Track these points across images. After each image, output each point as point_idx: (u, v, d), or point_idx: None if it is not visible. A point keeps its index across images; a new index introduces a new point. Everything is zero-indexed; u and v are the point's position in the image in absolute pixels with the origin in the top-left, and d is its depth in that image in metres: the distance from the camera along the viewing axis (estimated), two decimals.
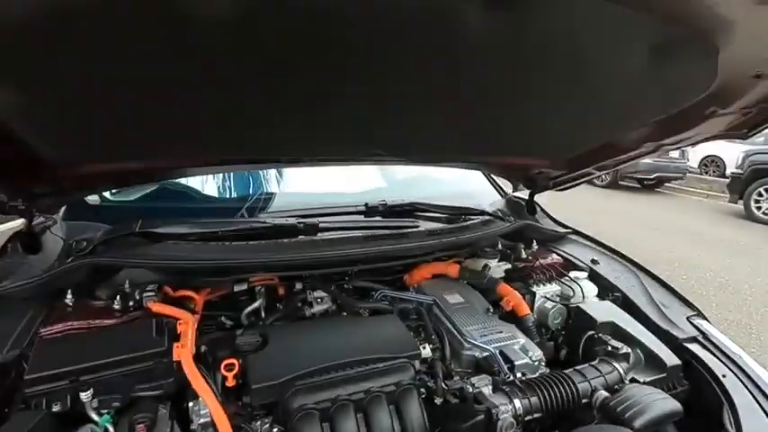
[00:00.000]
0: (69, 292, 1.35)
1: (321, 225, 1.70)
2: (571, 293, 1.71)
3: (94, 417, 1.03)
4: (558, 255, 1.99)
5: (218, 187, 1.97)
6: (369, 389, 1.12)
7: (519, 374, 1.30)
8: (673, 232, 7.44)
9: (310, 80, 1.01)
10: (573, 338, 1.57)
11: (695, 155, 13.43)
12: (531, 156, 1.83)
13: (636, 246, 6.05)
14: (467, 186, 2.44)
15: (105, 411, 1.07)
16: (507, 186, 2.43)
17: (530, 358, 1.37)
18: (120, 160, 1.32)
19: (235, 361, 1.19)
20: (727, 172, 11.01)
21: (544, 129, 1.51)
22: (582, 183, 2.09)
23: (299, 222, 1.66)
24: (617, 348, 1.37)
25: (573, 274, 1.80)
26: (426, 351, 1.35)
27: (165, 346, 1.14)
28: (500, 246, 1.99)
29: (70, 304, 1.33)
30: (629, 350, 1.38)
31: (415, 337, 1.41)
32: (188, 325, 1.22)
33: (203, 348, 1.29)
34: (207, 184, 1.96)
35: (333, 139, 1.39)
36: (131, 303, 1.33)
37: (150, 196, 1.86)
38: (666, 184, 12.39)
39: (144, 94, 0.97)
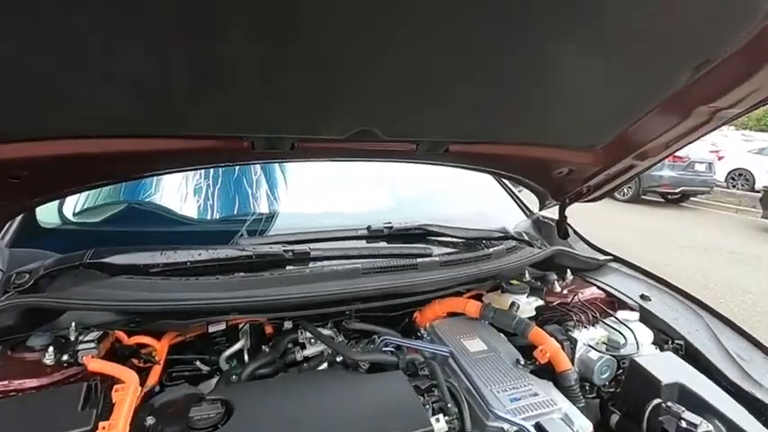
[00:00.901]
0: None
1: (313, 254, 1.42)
2: (621, 341, 1.37)
3: None
4: (600, 288, 1.66)
5: (199, 207, 1.70)
6: None
7: None
8: (704, 250, 6.96)
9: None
10: (629, 402, 1.24)
11: (722, 168, 12.86)
12: (562, 143, 1.47)
13: (665, 266, 5.62)
14: (485, 205, 2.13)
15: None
16: (532, 204, 2.12)
17: None
18: (60, 136, 1.02)
19: None
20: (758, 185, 10.44)
21: (579, 101, 1.19)
22: (618, 186, 1.76)
23: (285, 250, 1.37)
24: (694, 425, 1.04)
25: (621, 314, 1.47)
26: (440, 426, 1.04)
27: (91, 425, 0.85)
28: (527, 276, 1.68)
29: None
30: (710, 427, 1.04)
31: (426, 403, 1.09)
32: (126, 392, 0.93)
33: (149, 422, 0.99)
34: (185, 203, 1.70)
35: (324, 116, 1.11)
36: (66, 357, 1.05)
37: (119, 219, 1.60)
38: (692, 199, 11.82)
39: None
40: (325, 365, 1.33)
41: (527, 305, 1.53)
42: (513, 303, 1.46)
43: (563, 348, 1.32)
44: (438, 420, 1.04)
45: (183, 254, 1.31)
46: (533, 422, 1.08)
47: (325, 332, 1.48)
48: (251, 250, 1.35)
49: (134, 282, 1.18)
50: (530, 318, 1.54)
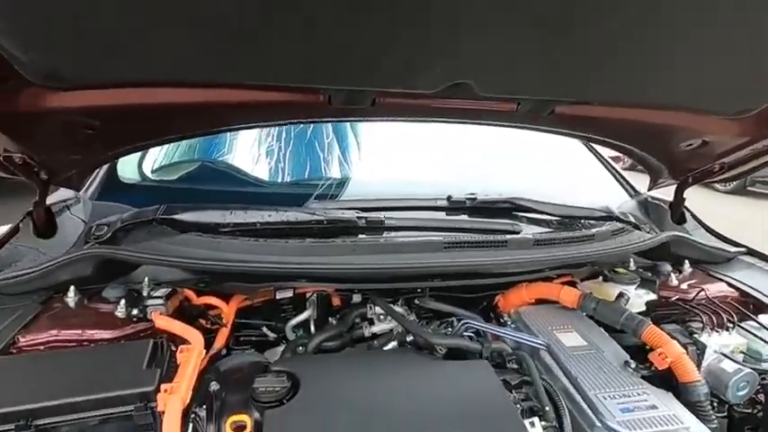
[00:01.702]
0: (72, 289, 1.07)
1: (388, 222, 1.28)
2: (765, 351, 1.10)
3: None
4: (731, 285, 1.36)
5: (270, 169, 1.63)
6: None
7: None
8: None
9: None
10: None
11: None
12: (703, 108, 1.13)
13: None
14: (581, 181, 1.85)
15: None
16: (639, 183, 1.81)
17: None
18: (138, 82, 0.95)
19: (246, 419, 0.81)
20: None
21: (736, 52, 0.88)
22: (758, 168, 1.41)
23: (359, 217, 1.25)
24: None
25: (763, 318, 1.18)
26: (535, 430, 0.86)
27: (154, 386, 0.79)
28: (632, 265, 1.42)
29: (71, 305, 1.06)
30: None
31: (515, 402, 0.92)
32: (191, 354, 0.87)
33: (213, 387, 0.93)
34: (257, 165, 1.64)
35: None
36: (136, 311, 1.02)
37: (193, 177, 1.58)
38: None
39: None
40: (394, 344, 1.21)
41: (636, 298, 1.28)
42: (621, 295, 1.23)
43: (687, 354, 1.08)
44: (533, 425, 0.87)
45: (253, 215, 1.24)
46: None
47: (399, 309, 1.36)
48: (322, 215, 1.24)
49: (203, 240, 1.12)
50: (639, 314, 1.30)
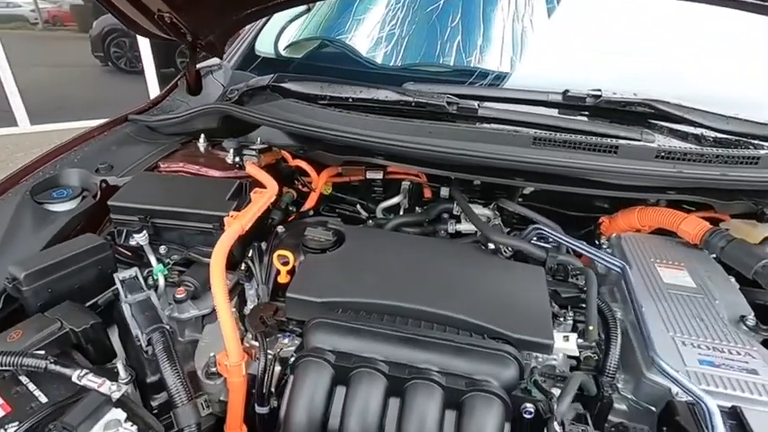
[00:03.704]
0: (202, 136, 1.31)
1: (482, 112, 1.16)
2: None
3: (152, 260, 0.96)
4: None
5: (386, 53, 1.60)
6: (424, 369, 0.67)
7: None
8: None
9: None
10: None
11: None
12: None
13: None
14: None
15: (167, 261, 0.99)
16: None
17: None
18: None
19: (290, 255, 0.92)
20: None
21: None
22: None
23: (449, 102, 1.16)
24: None
25: None
26: (569, 347, 0.77)
27: (227, 213, 0.95)
28: None
29: (201, 148, 1.30)
30: None
31: (562, 316, 0.82)
32: (262, 195, 0.99)
33: (279, 229, 1.06)
34: (374, 47, 1.62)
35: None
36: (238, 159, 1.19)
37: (316, 54, 1.65)
38: None
39: None
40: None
41: None
42: None
43: None
44: (567, 339, 0.77)
45: (347, 89, 1.26)
46: (729, 403, 0.69)
47: (485, 211, 1.29)
48: (412, 96, 1.19)
49: (297, 106, 1.21)
50: None
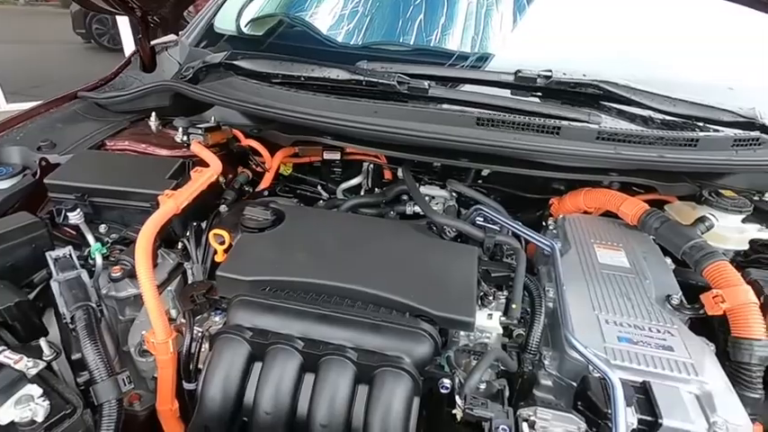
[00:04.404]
0: (153, 114, 1.29)
1: (432, 92, 1.15)
2: None
3: (89, 238, 0.95)
4: None
5: (347, 31, 1.57)
6: (340, 346, 0.68)
7: None
8: None
9: None
10: None
11: None
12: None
13: None
14: (743, 78, 1.33)
15: (106, 240, 0.98)
16: None
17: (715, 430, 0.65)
18: None
19: (225, 234, 0.92)
20: None
21: None
22: None
23: (400, 82, 1.15)
24: None
25: None
26: (491, 324, 0.78)
27: (164, 191, 0.94)
28: None
29: (152, 127, 1.28)
30: None
31: (490, 294, 0.83)
32: (202, 174, 0.98)
33: (222, 209, 1.06)
34: (336, 25, 1.58)
35: None
36: (185, 138, 1.18)
37: (276, 32, 1.62)
38: None
39: None
40: None
41: (736, 232, 0.96)
42: (702, 219, 0.93)
43: (764, 308, 0.80)
44: (490, 317, 0.78)
45: (300, 68, 1.24)
46: (640, 379, 0.71)
47: (443, 192, 1.30)
48: (363, 75, 1.18)
49: (245, 84, 1.19)
50: (735, 251, 0.99)
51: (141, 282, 0.75)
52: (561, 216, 1.12)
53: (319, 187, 1.49)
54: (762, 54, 1.38)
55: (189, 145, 1.17)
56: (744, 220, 0.97)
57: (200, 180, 0.98)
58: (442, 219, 1.00)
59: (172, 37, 1.55)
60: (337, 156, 1.40)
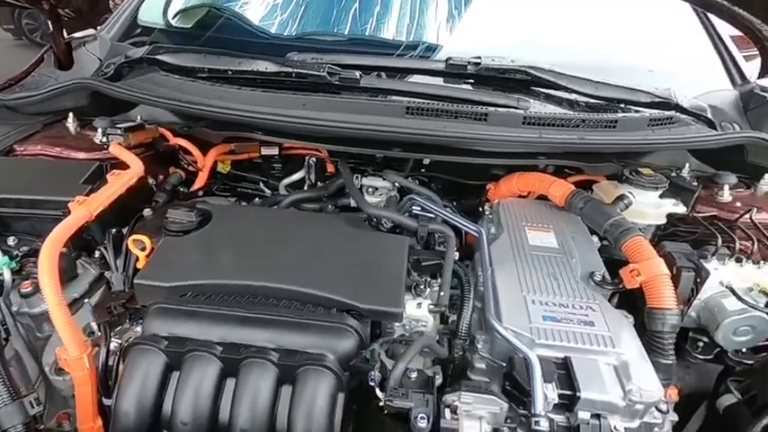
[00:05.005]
0: (71, 115, 1.20)
1: (364, 82, 1.13)
2: None
3: None
4: None
5: (281, 22, 1.52)
6: (261, 348, 0.66)
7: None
8: None
9: None
10: None
11: None
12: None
13: None
14: (666, 62, 1.40)
15: (15, 253, 0.91)
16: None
17: (629, 400, 0.68)
18: None
19: (144, 238, 0.87)
20: None
21: None
22: None
23: (331, 73, 1.12)
24: None
25: None
26: (421, 313, 0.79)
27: (76, 197, 0.88)
28: (686, 171, 1.09)
29: (71, 129, 1.20)
30: None
31: (422, 284, 0.83)
32: (120, 177, 0.93)
33: (146, 212, 1.01)
34: (268, 16, 1.53)
35: None
36: (105, 139, 1.11)
37: (206, 24, 1.55)
38: None
39: None
40: None
41: (654, 207, 1.01)
42: (621, 197, 0.97)
43: (676, 279, 0.84)
44: (419, 306, 0.79)
45: (227, 61, 1.19)
46: (563, 355, 0.74)
47: (385, 183, 1.29)
48: (292, 67, 1.14)
49: (168, 80, 1.13)
50: (656, 226, 1.04)
51: (46, 294, 0.70)
52: (496, 201, 1.13)
53: (261, 184, 1.45)
54: (679, 37, 1.46)
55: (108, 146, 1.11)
56: (661, 196, 1.02)
57: (117, 183, 0.92)
58: (375, 210, 0.99)
59: (90, 31, 1.45)
60: (275, 151, 1.36)
